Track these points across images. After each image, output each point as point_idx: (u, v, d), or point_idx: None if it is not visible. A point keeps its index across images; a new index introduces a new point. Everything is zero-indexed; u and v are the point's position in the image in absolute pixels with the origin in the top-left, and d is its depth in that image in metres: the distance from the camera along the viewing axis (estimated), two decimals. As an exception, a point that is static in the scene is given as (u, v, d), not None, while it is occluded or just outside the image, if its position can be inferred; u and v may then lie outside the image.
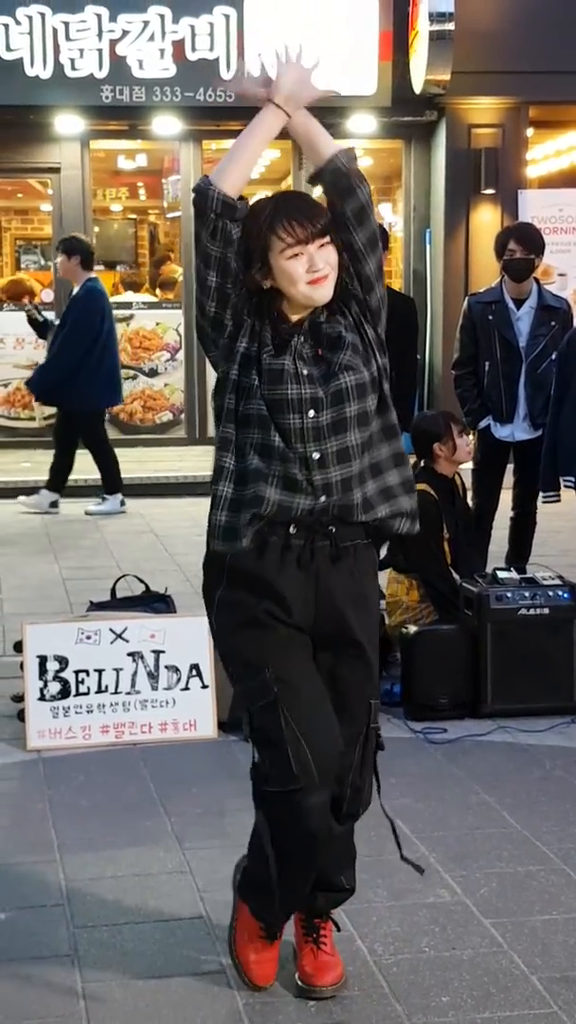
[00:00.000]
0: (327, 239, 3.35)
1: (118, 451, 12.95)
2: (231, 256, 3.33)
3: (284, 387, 3.35)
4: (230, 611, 3.46)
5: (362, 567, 3.50)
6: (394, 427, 3.51)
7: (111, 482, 11.12)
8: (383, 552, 5.51)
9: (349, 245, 3.38)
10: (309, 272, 3.32)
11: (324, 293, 3.37)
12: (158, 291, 15.18)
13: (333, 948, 3.64)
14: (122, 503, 11.09)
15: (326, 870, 3.57)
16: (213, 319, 3.40)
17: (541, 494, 7.11)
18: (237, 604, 3.44)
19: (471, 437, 6.82)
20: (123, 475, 11.46)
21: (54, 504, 11.08)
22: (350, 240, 3.38)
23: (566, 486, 6.88)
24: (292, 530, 3.39)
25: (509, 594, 5.92)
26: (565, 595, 5.95)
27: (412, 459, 6.43)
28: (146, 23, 12.47)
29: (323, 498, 3.37)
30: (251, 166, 3.43)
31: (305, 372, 3.37)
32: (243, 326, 3.40)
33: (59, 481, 11.15)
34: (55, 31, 12.42)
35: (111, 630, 5.55)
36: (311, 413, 3.35)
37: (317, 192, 3.58)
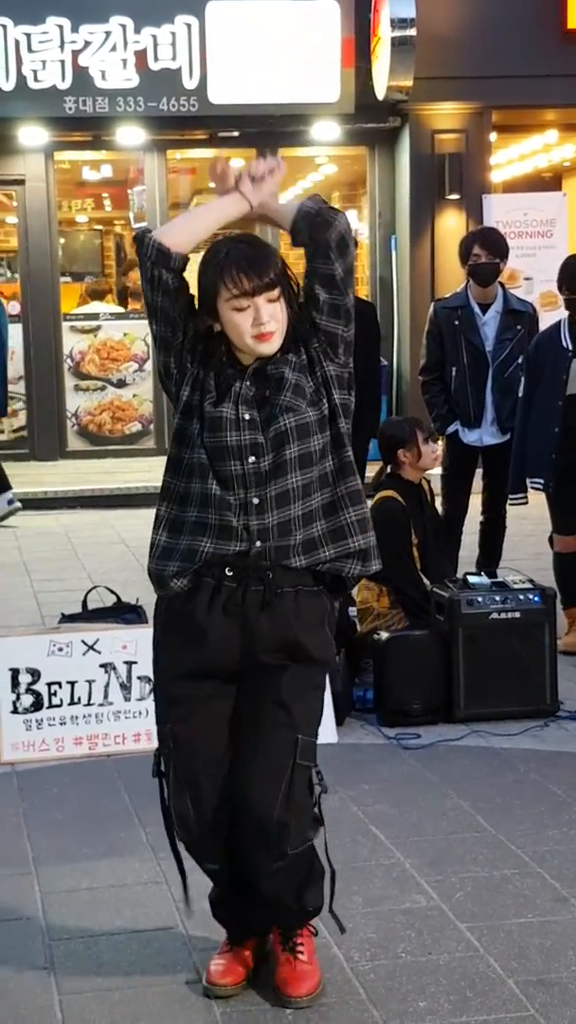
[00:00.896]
0: (276, 293, 3.34)
1: (88, 462, 12.99)
2: (169, 306, 3.36)
3: (224, 434, 3.35)
4: (160, 653, 3.53)
5: (303, 612, 3.44)
6: (350, 464, 3.48)
7: None
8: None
9: (331, 277, 3.39)
10: (254, 326, 3.33)
11: (270, 348, 3.38)
12: (128, 300, 15.14)
13: (311, 956, 3.62)
14: (10, 502, 11.06)
15: (284, 897, 3.53)
16: (164, 366, 3.45)
17: (509, 496, 7.13)
18: (166, 648, 3.51)
19: (439, 444, 6.83)
20: (92, 486, 11.43)
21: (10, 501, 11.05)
22: (331, 272, 3.38)
23: (533, 488, 6.91)
24: (228, 572, 3.39)
25: (480, 598, 5.93)
26: (536, 598, 5.97)
27: (379, 465, 6.50)
28: (108, 33, 12.46)
29: (258, 543, 3.36)
30: (198, 238, 3.46)
31: (247, 417, 3.36)
32: (186, 374, 3.41)
33: None
34: (17, 43, 12.39)
35: (83, 642, 5.54)
36: (251, 459, 3.35)
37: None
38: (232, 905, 3.65)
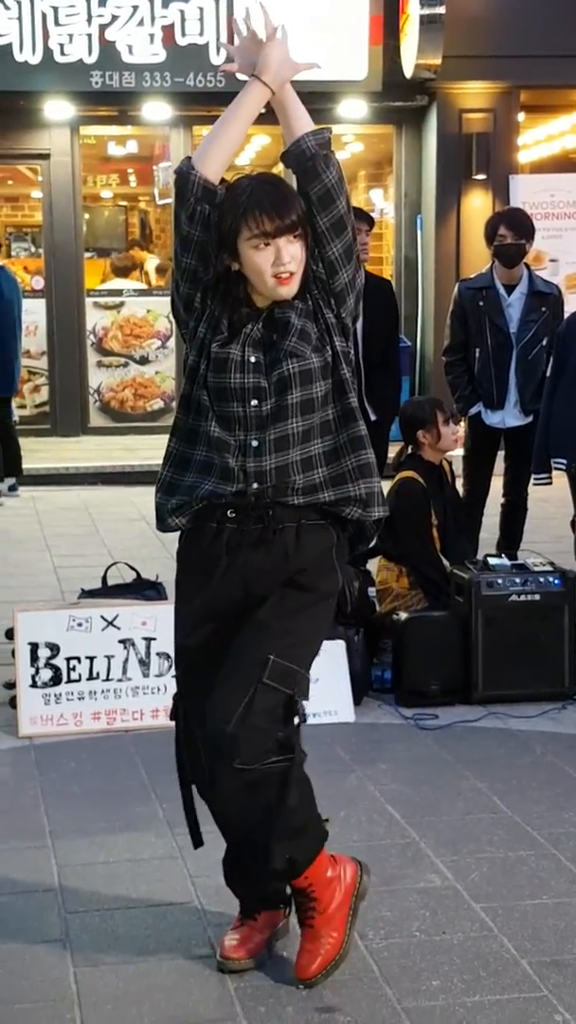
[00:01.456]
0: (298, 232, 3.33)
1: (110, 439, 13.00)
2: (207, 239, 3.33)
3: (227, 376, 3.36)
4: (176, 598, 3.60)
5: (305, 543, 3.42)
6: (353, 411, 3.47)
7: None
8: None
9: (313, 227, 3.37)
10: (275, 266, 3.32)
11: (289, 291, 3.37)
12: (143, 276, 15.11)
13: (324, 928, 3.56)
14: (12, 488, 11.07)
15: (253, 829, 3.42)
16: (185, 299, 3.42)
17: (533, 476, 7.11)
18: (179, 593, 3.58)
19: (460, 425, 6.82)
20: (113, 463, 11.44)
21: (12, 488, 11.06)
22: (313, 223, 3.36)
23: (556, 468, 6.88)
24: (229, 513, 3.42)
25: (500, 580, 5.92)
26: (556, 581, 5.96)
27: (400, 446, 6.49)
28: (135, 7, 12.43)
29: (255, 485, 3.37)
30: (234, 147, 3.42)
31: (252, 360, 3.36)
32: (206, 311, 3.41)
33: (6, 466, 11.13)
34: (44, 16, 12.37)
35: (102, 617, 5.56)
36: (253, 402, 3.36)
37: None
38: (240, 870, 3.64)
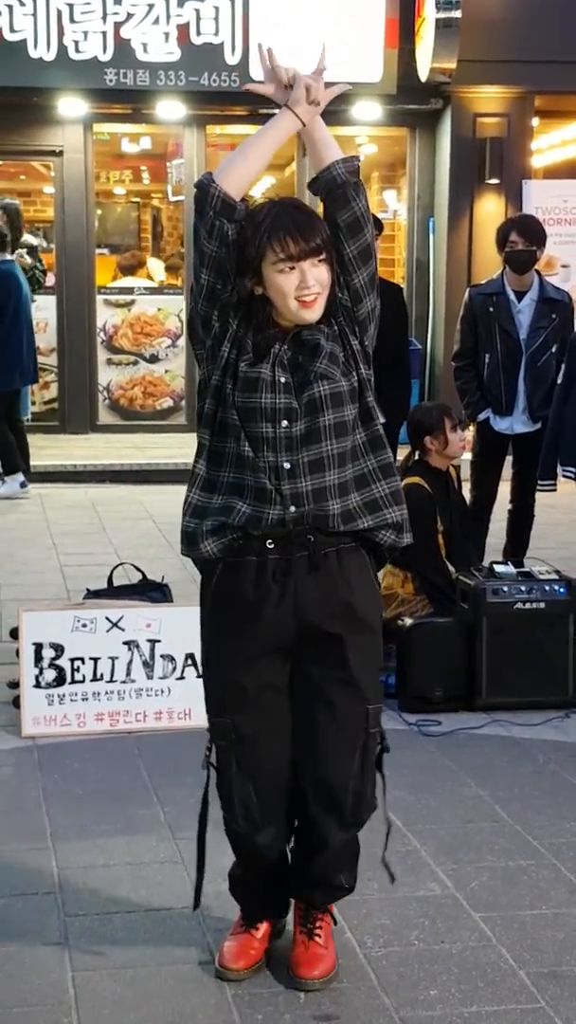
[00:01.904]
0: (322, 256, 3.34)
1: (119, 436, 12.99)
2: (226, 256, 3.32)
3: (258, 396, 3.35)
4: (214, 638, 3.52)
5: (348, 569, 3.45)
6: (380, 438, 3.48)
7: (12, 464, 11.10)
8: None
9: (339, 255, 3.37)
10: (300, 289, 3.32)
11: (313, 314, 3.37)
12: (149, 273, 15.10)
13: (328, 941, 3.64)
14: (23, 485, 11.07)
15: (327, 869, 3.59)
16: (203, 317, 3.40)
17: (538, 482, 7.11)
18: (221, 634, 3.49)
19: (468, 432, 6.81)
20: (122, 461, 11.42)
21: (23, 484, 11.07)
22: (341, 250, 3.37)
23: (565, 476, 6.88)
24: (269, 544, 3.39)
25: (505, 588, 5.92)
26: (561, 589, 5.96)
27: (407, 450, 6.48)
28: (151, 6, 12.43)
29: (292, 508, 3.36)
30: (259, 169, 3.42)
31: (282, 380, 3.36)
32: (228, 330, 3.40)
33: (10, 462, 11.11)
34: (59, 13, 12.37)
35: (107, 618, 5.56)
36: (284, 423, 3.35)
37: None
38: (256, 886, 3.67)
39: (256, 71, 12.29)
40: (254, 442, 3.36)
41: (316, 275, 3.33)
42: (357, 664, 3.47)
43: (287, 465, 3.35)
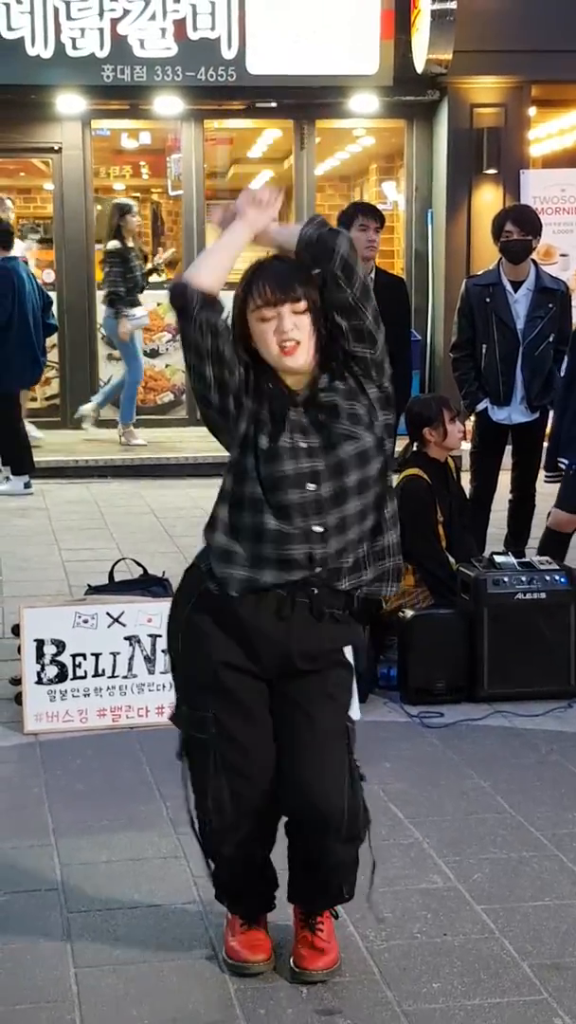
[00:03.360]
0: (302, 306, 3.34)
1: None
2: (222, 345, 3.33)
3: (282, 465, 3.35)
4: (198, 640, 3.48)
5: (337, 635, 3.49)
6: (390, 489, 3.50)
7: (18, 463, 11.09)
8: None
9: (344, 303, 3.35)
10: (278, 333, 3.33)
11: (296, 362, 3.37)
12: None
13: (330, 935, 3.64)
14: (27, 485, 11.06)
15: (328, 883, 3.58)
16: (220, 409, 3.40)
17: (544, 474, 7.11)
18: (208, 637, 3.46)
19: (468, 424, 6.81)
20: (123, 456, 11.41)
21: (27, 485, 11.07)
22: (344, 298, 3.35)
23: (559, 465, 6.87)
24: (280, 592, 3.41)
25: (506, 578, 5.92)
26: (562, 580, 5.96)
27: (405, 441, 6.47)
28: (147, 2, 12.41)
29: (319, 570, 3.38)
30: (226, 271, 3.44)
31: (303, 445, 3.36)
32: (243, 409, 3.40)
33: (16, 461, 11.12)
34: (56, 10, 12.37)
35: (108, 614, 5.56)
36: (311, 486, 3.35)
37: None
38: (243, 888, 3.66)
39: (253, 65, 12.36)
40: (282, 510, 3.35)
41: (295, 321, 3.34)
42: (336, 686, 3.51)
43: (318, 528, 3.36)
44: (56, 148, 13.36)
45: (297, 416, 3.40)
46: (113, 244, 12.47)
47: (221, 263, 3.43)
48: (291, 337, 3.34)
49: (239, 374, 3.38)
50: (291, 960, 3.61)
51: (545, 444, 7.23)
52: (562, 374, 7.01)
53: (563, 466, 6.76)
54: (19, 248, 12.34)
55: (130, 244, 12.59)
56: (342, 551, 3.40)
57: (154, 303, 13.82)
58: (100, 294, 13.68)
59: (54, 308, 13.24)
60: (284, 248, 3.48)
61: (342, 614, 3.48)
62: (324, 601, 3.42)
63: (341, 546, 3.39)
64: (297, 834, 3.56)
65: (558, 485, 7.06)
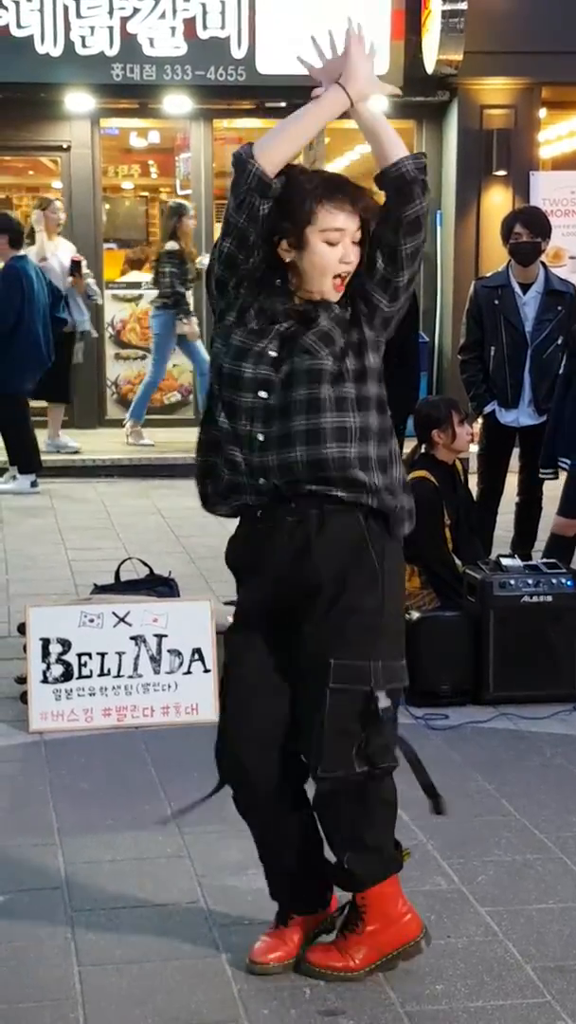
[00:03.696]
0: (359, 234, 3.33)
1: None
2: (253, 231, 3.28)
3: (241, 365, 3.35)
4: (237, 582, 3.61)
5: (328, 532, 3.38)
6: (390, 429, 3.45)
7: (26, 462, 11.10)
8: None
9: (394, 250, 3.32)
10: (341, 263, 3.30)
11: (338, 295, 3.37)
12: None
13: (350, 947, 3.57)
14: (34, 484, 11.05)
15: (338, 828, 3.53)
16: (219, 280, 3.39)
17: (540, 470, 7.12)
18: (235, 575, 3.60)
19: (476, 426, 6.81)
20: (130, 455, 11.39)
21: (33, 484, 11.06)
22: (396, 246, 3.32)
23: (561, 467, 6.88)
24: (259, 514, 3.43)
25: (512, 581, 5.92)
26: (568, 583, 5.95)
27: (414, 443, 6.48)
28: (157, 1, 12.42)
29: (261, 480, 3.37)
30: (299, 146, 3.39)
31: (272, 353, 3.34)
32: (240, 298, 3.38)
33: (23, 460, 11.11)
34: (66, 8, 12.36)
35: (114, 613, 5.56)
36: (262, 393, 3.34)
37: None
38: (276, 868, 3.64)
39: (262, 64, 12.34)
40: (233, 410, 3.37)
41: (355, 252, 3.33)
42: (342, 621, 3.38)
43: (260, 437, 3.35)
44: (65, 147, 13.37)
45: (282, 328, 3.36)
46: (171, 245, 12.44)
47: (299, 140, 3.36)
48: (348, 271, 3.32)
49: (250, 263, 3.33)
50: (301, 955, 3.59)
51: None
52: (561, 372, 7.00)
53: (564, 466, 6.76)
54: (69, 250, 12.37)
55: (185, 245, 12.59)
56: (287, 468, 3.33)
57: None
58: (108, 292, 13.69)
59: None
60: (374, 144, 3.37)
61: (334, 507, 3.36)
62: (309, 505, 3.36)
63: (283, 463, 3.32)
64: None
65: (556, 482, 7.07)
